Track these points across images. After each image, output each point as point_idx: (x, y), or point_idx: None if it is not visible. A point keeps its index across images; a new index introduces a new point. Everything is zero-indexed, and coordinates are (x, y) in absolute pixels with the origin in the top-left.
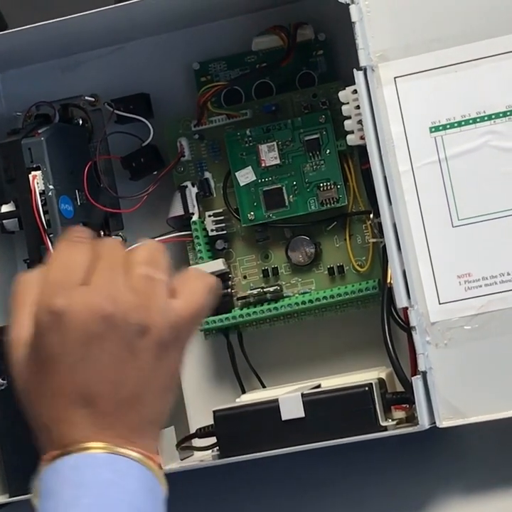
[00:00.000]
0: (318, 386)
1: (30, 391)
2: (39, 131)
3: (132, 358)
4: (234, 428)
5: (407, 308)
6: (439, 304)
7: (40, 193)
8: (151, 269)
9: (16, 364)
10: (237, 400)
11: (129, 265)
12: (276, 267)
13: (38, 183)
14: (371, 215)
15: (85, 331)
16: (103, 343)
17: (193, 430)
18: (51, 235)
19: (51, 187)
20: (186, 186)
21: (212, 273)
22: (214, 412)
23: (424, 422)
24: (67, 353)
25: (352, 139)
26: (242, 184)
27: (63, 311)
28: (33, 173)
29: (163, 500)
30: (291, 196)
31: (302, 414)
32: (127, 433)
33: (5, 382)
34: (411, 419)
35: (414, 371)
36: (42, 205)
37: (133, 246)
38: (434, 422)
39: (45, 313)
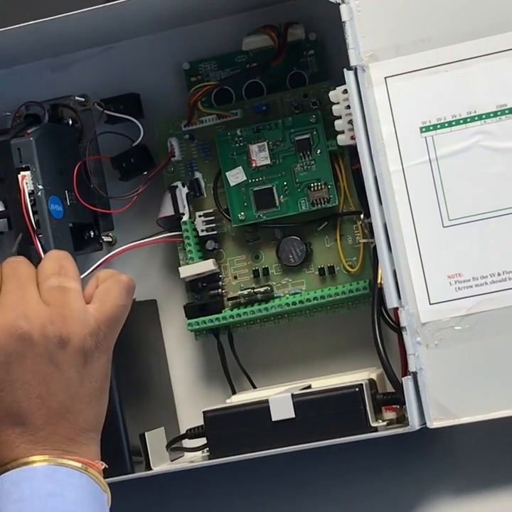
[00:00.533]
0: (309, 387)
1: None
2: (28, 131)
3: (56, 370)
4: (224, 429)
5: (397, 308)
6: (430, 304)
7: (29, 193)
8: (61, 278)
9: None
10: (228, 400)
11: (38, 280)
12: (267, 268)
13: (27, 183)
14: (362, 216)
15: (3, 351)
16: (24, 361)
17: (183, 431)
18: (40, 236)
19: (40, 187)
20: (176, 186)
21: (203, 273)
22: (204, 412)
23: (414, 423)
24: None
25: (342, 139)
26: (232, 184)
27: None
28: (22, 173)
29: (107, 505)
30: (281, 196)
31: (292, 415)
32: (63, 444)
33: None
34: (401, 419)
35: (405, 372)
36: (31, 206)
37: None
38: (425, 423)
39: None
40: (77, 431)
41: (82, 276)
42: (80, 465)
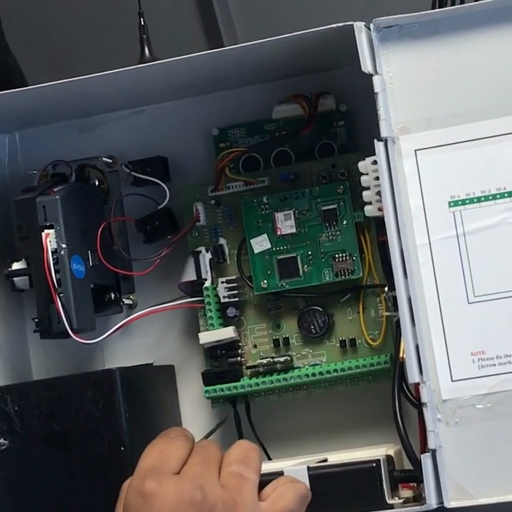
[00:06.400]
0: (325, 460)
1: None
2: (54, 189)
3: None
4: None
5: (418, 383)
6: (452, 381)
7: (52, 252)
8: (243, 467)
9: None
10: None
11: (222, 464)
12: (288, 337)
13: (50, 242)
14: (386, 289)
15: None
16: None
17: None
18: (61, 295)
19: (64, 246)
20: (200, 251)
21: (222, 340)
22: None
23: (431, 502)
24: None
25: (370, 210)
26: (256, 251)
27: (153, 493)
28: (46, 231)
29: None
30: (305, 266)
31: None
32: None
33: (7, 442)
34: (418, 498)
35: (424, 448)
36: (53, 264)
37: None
38: (442, 502)
39: (135, 495)
40: None
41: (101, 338)
42: None
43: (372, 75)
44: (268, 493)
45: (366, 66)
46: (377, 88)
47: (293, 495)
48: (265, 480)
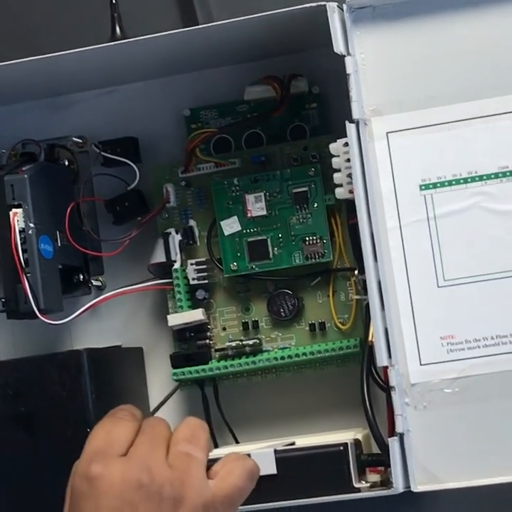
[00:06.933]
0: (293, 444)
1: None
2: (23, 168)
3: None
4: None
5: (387, 367)
6: (421, 364)
7: (20, 231)
8: (190, 446)
9: None
10: (210, 454)
11: (170, 443)
12: (257, 320)
13: (18, 221)
14: (356, 272)
15: (119, 498)
16: None
17: None
18: (28, 275)
19: (32, 225)
20: (170, 233)
21: (191, 323)
22: None
23: (398, 485)
24: None
25: (340, 193)
26: (226, 234)
27: (98, 477)
28: (13, 210)
29: None
30: (275, 249)
31: (274, 471)
32: None
33: None
34: (386, 482)
35: (392, 432)
36: (21, 244)
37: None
38: (409, 486)
39: (81, 479)
40: None
41: (68, 319)
42: None
43: (344, 56)
44: (216, 470)
45: (338, 47)
46: (349, 69)
47: (241, 472)
48: (215, 458)
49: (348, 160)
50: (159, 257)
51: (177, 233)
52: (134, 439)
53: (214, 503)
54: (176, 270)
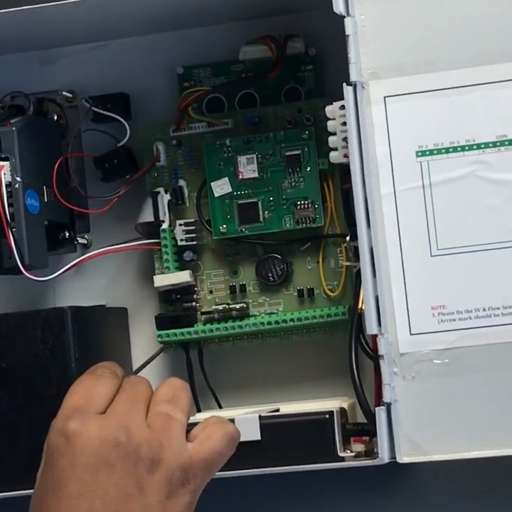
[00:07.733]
0: (277, 410)
1: None
2: (11, 121)
3: (139, 494)
4: None
5: (376, 335)
6: (410, 334)
7: (6, 185)
8: (170, 407)
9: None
10: (192, 418)
11: (150, 402)
12: (245, 284)
13: (4, 174)
14: (347, 238)
15: (95, 456)
16: (112, 471)
17: None
18: (14, 229)
19: (18, 179)
20: (159, 192)
21: (178, 284)
22: None
23: (383, 456)
24: (75, 478)
25: (335, 157)
26: (216, 195)
27: (75, 434)
28: (0, 162)
29: None
30: (266, 212)
31: (258, 437)
32: None
33: None
34: (370, 453)
35: (379, 402)
36: (7, 198)
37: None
38: (395, 457)
39: (58, 435)
40: None
41: (53, 276)
42: None
43: (343, 17)
44: (196, 433)
45: (338, 7)
46: (348, 30)
47: (221, 435)
48: (196, 422)
49: (344, 123)
50: (147, 216)
51: (166, 193)
52: (114, 397)
53: (192, 465)
54: (164, 230)
